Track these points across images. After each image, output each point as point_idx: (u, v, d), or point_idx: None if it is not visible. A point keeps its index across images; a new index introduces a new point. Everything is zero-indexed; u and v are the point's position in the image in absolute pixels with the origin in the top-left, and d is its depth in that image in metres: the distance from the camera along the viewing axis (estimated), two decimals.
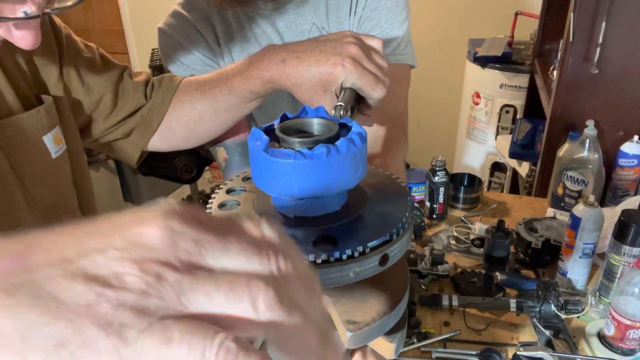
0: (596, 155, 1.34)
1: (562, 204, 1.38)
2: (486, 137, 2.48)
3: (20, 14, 0.51)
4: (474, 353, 0.92)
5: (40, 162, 0.68)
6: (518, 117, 2.28)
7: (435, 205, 1.35)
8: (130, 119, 0.83)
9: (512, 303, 0.99)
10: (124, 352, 0.18)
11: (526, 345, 0.95)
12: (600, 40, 1.38)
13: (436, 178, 1.33)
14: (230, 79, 0.75)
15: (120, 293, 0.19)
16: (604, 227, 1.05)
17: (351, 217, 0.46)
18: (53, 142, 0.69)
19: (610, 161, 1.39)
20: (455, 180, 1.44)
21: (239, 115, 0.83)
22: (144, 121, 0.84)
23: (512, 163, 2.21)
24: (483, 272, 1.14)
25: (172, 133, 0.85)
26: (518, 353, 0.90)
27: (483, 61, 2.33)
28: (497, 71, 2.31)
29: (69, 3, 0.56)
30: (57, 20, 0.75)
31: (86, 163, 0.81)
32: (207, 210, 0.50)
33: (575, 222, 1.04)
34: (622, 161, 1.33)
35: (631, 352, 0.91)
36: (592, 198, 1.04)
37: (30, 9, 0.51)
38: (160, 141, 0.86)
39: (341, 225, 0.45)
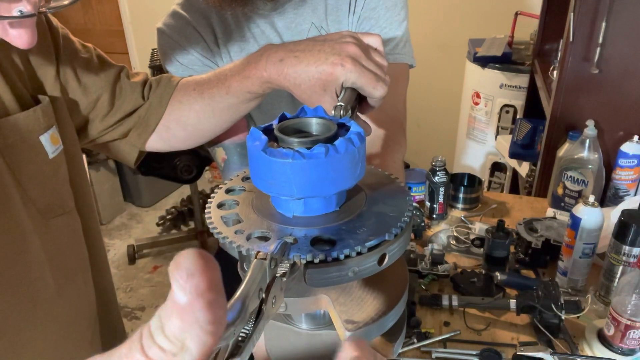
0: (596, 155, 1.34)
1: (562, 204, 1.38)
2: (486, 137, 2.48)
3: (15, 13, 0.51)
4: (474, 353, 0.92)
5: (37, 162, 0.67)
6: (518, 117, 2.28)
7: (435, 205, 1.35)
8: (128, 120, 0.83)
9: (512, 303, 0.98)
10: None
11: (526, 345, 0.95)
12: (600, 40, 1.38)
13: (436, 178, 1.32)
14: (228, 79, 0.75)
15: None
16: (604, 227, 1.05)
17: (350, 216, 0.46)
18: (50, 142, 0.68)
19: (610, 161, 1.39)
20: (455, 180, 1.44)
21: (237, 116, 0.83)
22: (141, 122, 0.84)
23: (512, 163, 2.21)
24: (483, 272, 1.14)
25: (170, 133, 0.85)
26: (518, 353, 0.90)
27: (483, 61, 2.33)
28: (497, 71, 2.31)
29: (65, 2, 0.55)
30: (54, 20, 0.75)
31: (83, 163, 0.81)
32: (206, 211, 0.50)
33: (575, 222, 1.04)
34: (622, 161, 1.33)
35: (631, 352, 0.91)
36: (592, 198, 1.04)
37: (26, 7, 0.51)
38: (159, 142, 0.86)
39: (340, 224, 0.45)
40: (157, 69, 2.50)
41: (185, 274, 0.20)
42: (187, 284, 0.20)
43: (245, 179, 0.55)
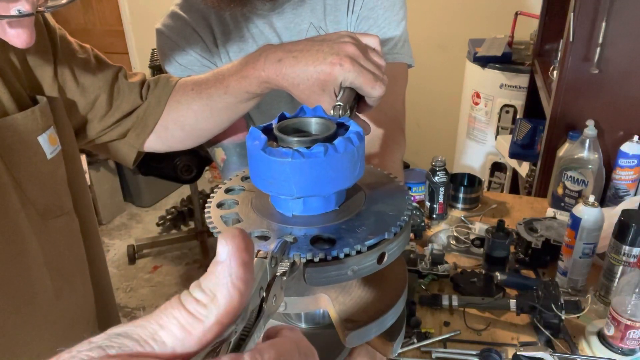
0: (596, 155, 1.34)
1: (562, 204, 1.38)
2: (486, 137, 2.48)
3: (14, 12, 0.51)
4: (474, 353, 0.92)
5: (36, 162, 0.67)
6: (518, 117, 2.28)
7: (435, 205, 1.35)
8: (126, 120, 0.83)
9: (512, 303, 0.98)
10: None
11: (526, 345, 0.94)
12: (600, 40, 1.38)
13: (436, 178, 1.32)
14: (227, 78, 0.75)
15: None
16: (604, 227, 1.05)
17: (349, 215, 0.46)
18: (48, 143, 0.68)
19: (610, 161, 1.39)
20: (455, 180, 1.44)
21: (235, 115, 0.83)
22: (139, 122, 0.84)
23: (512, 163, 2.21)
24: (483, 272, 1.14)
25: (169, 134, 0.85)
26: (518, 353, 0.90)
27: (483, 61, 2.33)
28: (497, 71, 2.31)
29: (63, 1, 0.55)
30: (52, 20, 0.75)
31: (81, 164, 0.81)
32: (206, 210, 0.50)
33: (575, 222, 1.04)
34: (622, 161, 1.33)
35: (631, 352, 0.91)
36: (592, 198, 1.04)
37: (24, 7, 0.51)
38: (157, 142, 0.86)
39: (339, 223, 0.45)
40: (157, 69, 2.50)
41: (230, 235, 0.25)
42: (229, 243, 0.25)
43: (245, 178, 0.55)
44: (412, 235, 1.30)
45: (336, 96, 0.65)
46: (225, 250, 0.25)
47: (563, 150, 1.40)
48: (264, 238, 0.44)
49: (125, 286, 2.81)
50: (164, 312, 0.24)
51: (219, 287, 0.24)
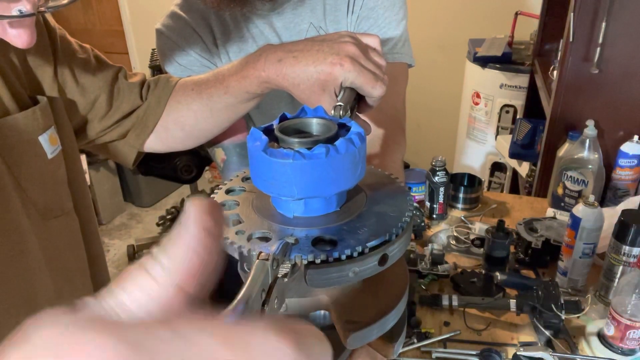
0: (596, 155, 1.34)
1: (562, 204, 1.38)
2: (486, 137, 2.48)
3: (15, 12, 0.51)
4: (474, 353, 0.92)
5: (36, 162, 0.67)
6: (518, 117, 2.28)
7: (435, 205, 1.35)
8: (126, 120, 0.83)
9: (512, 303, 0.98)
10: None
11: (526, 345, 0.95)
12: (600, 40, 1.38)
13: (436, 178, 1.32)
14: (227, 78, 0.75)
15: None
16: (604, 227, 1.05)
17: (350, 217, 0.46)
18: (49, 143, 0.68)
19: (610, 161, 1.39)
20: (455, 180, 1.44)
21: (235, 116, 0.82)
22: (139, 122, 0.83)
23: (512, 163, 2.21)
24: (483, 272, 1.14)
25: (169, 134, 0.85)
26: (518, 353, 0.90)
27: (483, 61, 2.33)
28: (497, 71, 2.31)
29: (64, 2, 0.55)
30: (52, 20, 0.75)
31: (81, 164, 0.81)
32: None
33: (575, 222, 1.04)
34: (622, 161, 1.33)
35: (631, 352, 0.91)
36: (592, 198, 1.04)
37: (25, 7, 0.51)
38: (157, 142, 0.86)
39: (340, 225, 0.45)
40: (157, 69, 2.50)
41: (196, 201, 0.24)
42: (193, 208, 0.24)
43: (245, 179, 0.55)
44: (412, 235, 1.30)
45: (336, 96, 0.65)
46: (190, 215, 0.24)
47: (563, 150, 1.40)
48: (265, 239, 0.44)
49: None
50: (129, 275, 0.24)
51: (178, 250, 0.24)
